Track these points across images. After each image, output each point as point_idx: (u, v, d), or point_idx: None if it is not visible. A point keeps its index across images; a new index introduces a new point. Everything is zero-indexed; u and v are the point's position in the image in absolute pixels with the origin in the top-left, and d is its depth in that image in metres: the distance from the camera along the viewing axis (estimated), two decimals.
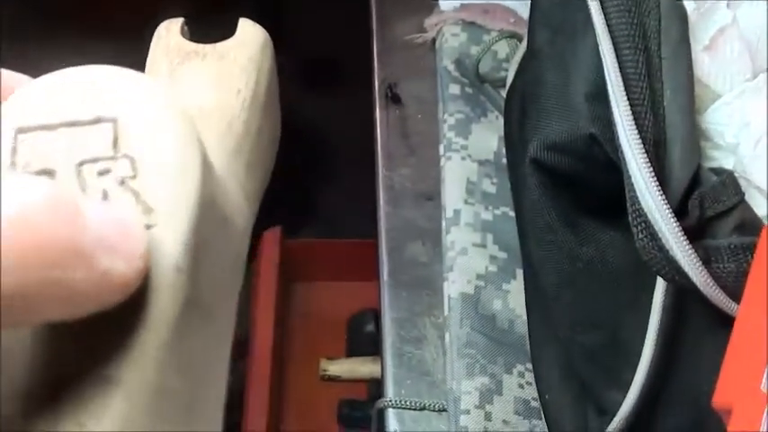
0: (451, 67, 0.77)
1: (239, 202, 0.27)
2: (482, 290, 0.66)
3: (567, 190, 0.51)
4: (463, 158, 0.72)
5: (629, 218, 0.45)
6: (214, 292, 0.22)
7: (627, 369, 0.51)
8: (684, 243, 0.44)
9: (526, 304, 0.63)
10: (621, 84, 0.46)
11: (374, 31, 0.80)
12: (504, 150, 0.72)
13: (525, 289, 0.63)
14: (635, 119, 0.45)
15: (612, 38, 0.47)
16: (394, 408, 0.62)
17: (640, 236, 0.45)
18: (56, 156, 0.21)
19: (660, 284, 0.48)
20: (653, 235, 0.44)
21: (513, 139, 0.64)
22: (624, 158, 0.45)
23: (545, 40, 0.53)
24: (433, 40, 0.79)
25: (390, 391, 0.63)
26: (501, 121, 0.73)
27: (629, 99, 0.46)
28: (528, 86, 0.56)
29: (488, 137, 0.74)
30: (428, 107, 0.76)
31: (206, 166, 0.21)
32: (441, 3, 0.80)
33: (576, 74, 0.50)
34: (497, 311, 0.65)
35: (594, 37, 0.48)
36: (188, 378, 0.21)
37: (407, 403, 0.62)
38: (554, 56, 0.52)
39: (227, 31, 0.38)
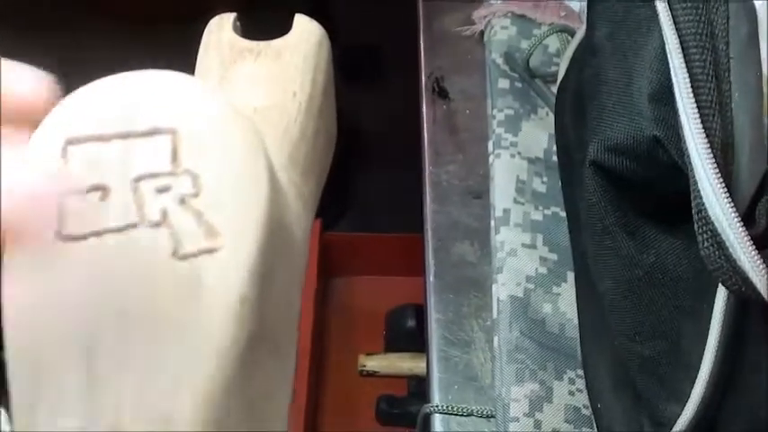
0: (500, 61, 0.75)
1: (298, 212, 0.26)
2: (532, 292, 0.64)
3: (627, 194, 0.49)
4: (512, 156, 0.70)
5: (695, 225, 0.43)
6: (280, 322, 0.21)
7: (686, 381, 0.49)
8: (753, 252, 0.42)
9: (578, 309, 0.61)
10: (689, 84, 0.44)
11: (421, 24, 0.79)
12: (554, 148, 0.70)
13: (577, 294, 0.61)
14: (702, 122, 0.43)
15: (679, 36, 0.46)
16: (440, 413, 0.61)
17: (706, 244, 0.43)
18: (110, 170, 0.20)
19: (721, 294, 0.47)
20: (720, 243, 0.43)
21: (567, 137, 0.62)
22: (691, 163, 0.43)
23: (606, 35, 0.52)
24: (482, 33, 0.78)
25: (437, 395, 0.62)
26: (551, 117, 0.71)
27: (696, 101, 0.44)
28: (586, 83, 0.54)
29: (538, 134, 0.72)
30: (476, 102, 0.75)
31: (273, 183, 0.20)
32: None
33: (639, 73, 0.48)
34: (547, 315, 0.64)
35: (659, 35, 0.46)
36: (253, 418, 0.20)
37: (454, 409, 0.61)
38: (615, 53, 0.50)
39: (278, 27, 0.36)
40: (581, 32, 0.65)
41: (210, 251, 0.19)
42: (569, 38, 0.73)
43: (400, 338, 1.25)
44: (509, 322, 0.63)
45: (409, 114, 0.76)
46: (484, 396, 0.62)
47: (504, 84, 0.74)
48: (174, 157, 0.20)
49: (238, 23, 0.35)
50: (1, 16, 0.88)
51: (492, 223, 0.68)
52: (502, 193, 0.69)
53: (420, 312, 1.19)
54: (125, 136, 0.20)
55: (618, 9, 0.52)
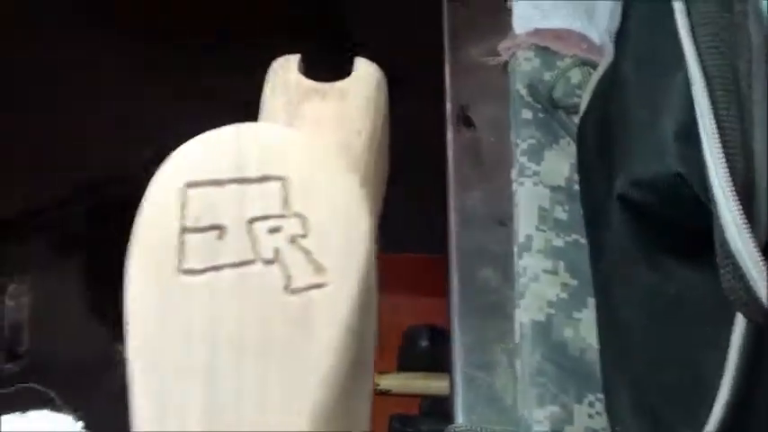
0: (524, 92, 0.78)
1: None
2: (553, 317, 0.67)
3: (651, 227, 0.52)
4: (536, 184, 0.73)
5: (717, 258, 0.46)
6: (372, 349, 0.24)
7: (704, 406, 0.52)
8: None
9: (599, 335, 0.64)
10: (714, 123, 0.47)
11: (446, 53, 0.82)
12: (575, 177, 0.73)
13: (598, 320, 0.64)
14: (727, 161, 0.46)
15: (706, 77, 0.48)
16: None
17: (728, 276, 0.46)
18: (226, 211, 0.22)
19: (739, 325, 0.49)
20: (741, 276, 0.45)
21: (590, 168, 0.65)
22: (715, 200, 0.46)
23: (632, 70, 0.55)
24: (506, 64, 0.81)
25: (461, 416, 0.65)
26: (573, 147, 0.74)
27: (721, 141, 0.47)
28: (611, 117, 0.57)
29: (561, 163, 0.75)
30: (500, 131, 0.78)
31: (372, 222, 0.23)
32: (515, 26, 0.81)
33: (665, 111, 0.51)
34: (568, 340, 0.66)
35: (685, 74, 0.49)
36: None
37: (478, 429, 0.64)
38: (641, 88, 0.53)
39: (332, 68, 0.39)
40: (603, 65, 0.68)
41: (319, 286, 0.22)
42: (591, 70, 0.76)
43: (415, 358, 1.27)
44: (531, 346, 0.66)
45: (432, 142, 0.79)
46: (506, 417, 0.64)
47: (527, 114, 0.77)
48: (285, 201, 0.22)
49: (302, 64, 0.38)
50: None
51: (515, 249, 0.71)
52: (525, 221, 0.72)
53: (434, 333, 1.22)
54: (240, 181, 0.23)
55: (644, 47, 0.55)
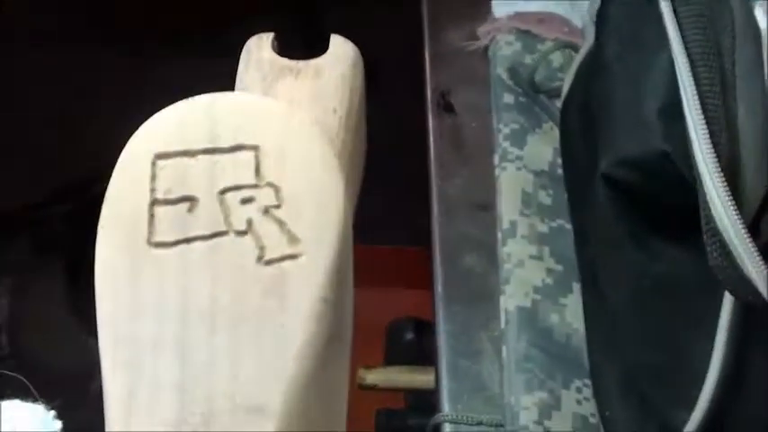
0: (505, 76, 0.78)
1: None
2: (539, 303, 0.67)
3: (637, 206, 0.52)
4: (518, 169, 0.73)
5: (704, 236, 0.46)
6: (348, 322, 0.23)
7: (693, 387, 0.51)
8: (759, 262, 0.45)
9: (585, 319, 0.64)
10: (698, 101, 0.47)
11: (426, 38, 0.81)
12: (559, 161, 0.73)
13: (584, 305, 0.64)
14: (711, 136, 0.46)
15: (688, 55, 0.48)
16: (450, 423, 0.63)
17: (715, 254, 0.46)
18: (197, 182, 0.22)
19: (727, 303, 0.49)
20: (728, 254, 0.45)
21: (574, 151, 0.65)
22: (699, 177, 0.46)
23: (615, 52, 0.54)
24: (486, 49, 0.80)
25: (446, 405, 0.65)
26: (556, 131, 0.74)
27: (704, 117, 0.47)
28: (594, 99, 0.57)
29: (543, 148, 0.75)
30: (481, 116, 0.77)
31: (347, 194, 0.23)
32: (494, 10, 0.81)
33: (648, 89, 0.50)
34: (554, 325, 0.66)
35: (668, 53, 0.49)
36: (326, 405, 0.22)
37: (464, 418, 0.63)
38: (625, 70, 0.53)
39: (306, 46, 0.39)
40: (585, 48, 0.68)
41: (293, 257, 0.22)
42: (573, 53, 0.76)
43: (400, 352, 1.27)
44: (517, 332, 0.66)
45: (412, 128, 0.79)
46: (493, 405, 0.64)
47: (509, 98, 0.77)
48: (258, 171, 0.22)
49: (276, 43, 0.37)
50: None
51: (499, 235, 0.71)
52: (508, 206, 0.71)
53: (420, 325, 1.21)
54: (211, 152, 0.22)
55: (626, 27, 0.55)
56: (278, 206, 0.22)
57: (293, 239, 0.22)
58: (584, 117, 0.61)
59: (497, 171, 0.74)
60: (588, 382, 0.63)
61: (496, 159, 0.74)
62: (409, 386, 1.24)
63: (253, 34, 0.39)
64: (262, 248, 0.22)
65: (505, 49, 0.79)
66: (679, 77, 0.48)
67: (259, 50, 0.37)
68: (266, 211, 0.22)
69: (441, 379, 0.67)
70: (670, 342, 0.52)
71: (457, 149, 0.76)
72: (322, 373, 0.22)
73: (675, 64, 0.49)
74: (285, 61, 0.36)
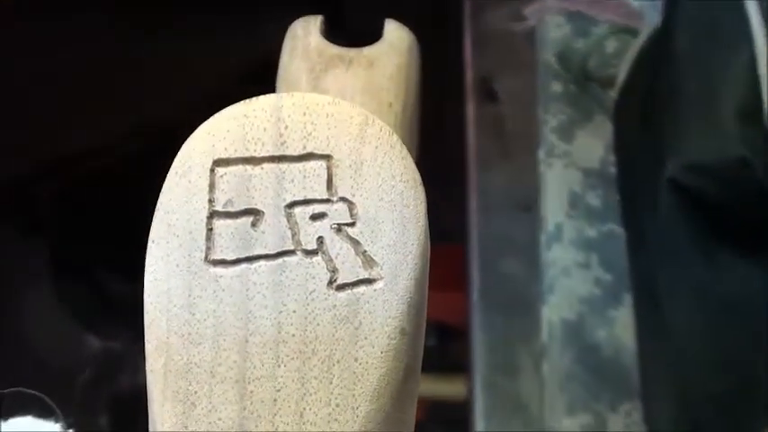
0: (554, 62, 0.77)
1: None
2: (586, 316, 0.66)
3: (707, 216, 0.51)
4: (566, 166, 0.73)
5: None
6: (421, 355, 0.23)
7: (762, 418, 0.51)
8: None
9: (637, 336, 0.63)
10: None
11: (467, 18, 0.81)
12: (611, 159, 0.72)
13: (637, 319, 0.63)
14: None
15: None
16: None
17: None
18: (261, 194, 0.21)
19: None
20: None
21: (632, 149, 0.64)
22: None
23: (687, 42, 0.54)
24: (533, 31, 0.80)
25: (480, 425, 0.64)
26: (608, 125, 0.73)
27: None
28: (660, 92, 0.56)
29: (594, 143, 0.74)
30: (526, 106, 0.77)
31: (427, 213, 0.22)
32: None
33: (725, 87, 0.50)
34: (602, 341, 0.66)
35: (750, 48, 0.48)
36: None
37: None
38: (698, 62, 0.52)
39: (357, 32, 0.38)
40: (646, 33, 0.67)
41: (369, 282, 0.21)
42: (630, 38, 0.75)
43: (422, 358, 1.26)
44: (561, 348, 0.65)
45: (450, 117, 0.78)
46: (532, 426, 0.64)
47: (557, 87, 0.76)
48: (330, 183, 0.21)
49: (324, 27, 0.37)
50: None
51: (542, 239, 0.70)
52: (554, 207, 0.71)
53: (442, 330, 1.21)
54: (277, 160, 0.22)
55: (702, 16, 0.54)
56: (352, 224, 0.21)
57: (369, 262, 0.21)
58: (645, 112, 0.60)
59: (542, 167, 0.73)
60: (638, 405, 0.63)
61: (542, 154, 0.74)
62: (432, 395, 1.23)
63: (284, 15, 0.38)
64: (333, 271, 0.21)
65: (555, 31, 0.78)
66: (761, 77, 0.48)
67: (306, 36, 0.36)
68: (339, 229, 0.21)
69: (474, 395, 0.66)
70: (737, 367, 0.52)
71: (498, 141, 0.75)
72: (395, 412, 0.21)
73: (757, 61, 0.48)
74: (335, 49, 0.36)
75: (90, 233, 1.09)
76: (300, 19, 0.37)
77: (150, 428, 0.21)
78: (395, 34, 0.36)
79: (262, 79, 0.39)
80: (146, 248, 0.23)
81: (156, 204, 0.23)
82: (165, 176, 0.23)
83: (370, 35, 0.37)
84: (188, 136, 0.23)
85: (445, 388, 1.14)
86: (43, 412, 0.32)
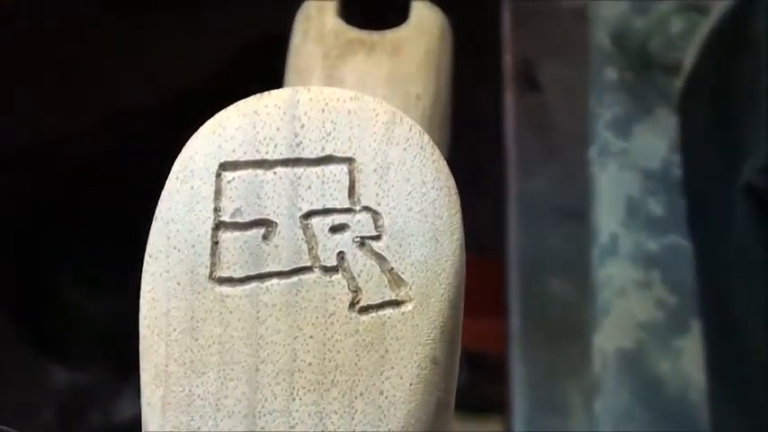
0: (608, 44, 0.78)
1: None
2: (646, 344, 0.67)
3: None
4: (622, 167, 0.73)
5: None
6: (455, 386, 0.24)
7: None
8: None
9: (708, 368, 0.64)
10: None
11: None
12: (675, 158, 0.73)
13: (707, 348, 0.64)
14: None
15: None
16: None
17: None
18: (274, 203, 0.22)
19: None
20: None
21: (702, 148, 0.65)
22: None
23: (767, 24, 0.54)
24: (584, 8, 0.80)
25: None
26: (673, 119, 0.74)
27: None
28: (735, 82, 0.57)
29: (656, 140, 0.75)
30: (575, 96, 0.77)
31: (462, 225, 0.23)
32: None
33: None
34: (665, 374, 0.66)
35: None
36: None
37: None
38: None
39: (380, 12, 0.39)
40: (719, 11, 0.68)
41: (397, 304, 0.22)
42: (700, 17, 0.76)
43: None
44: (617, 382, 0.66)
45: (486, 109, 0.79)
46: None
47: (612, 74, 0.77)
48: (352, 191, 0.22)
49: (342, 8, 0.38)
50: None
51: (594, 253, 0.71)
52: (608, 215, 0.71)
53: (475, 362, 1.21)
54: (292, 163, 0.22)
55: None
56: (377, 237, 0.22)
57: (397, 281, 0.22)
58: (717, 104, 0.61)
59: (594, 169, 0.74)
60: None
61: (594, 153, 0.74)
62: None
63: None
64: (356, 291, 0.22)
65: (610, 8, 0.79)
66: None
67: (321, 16, 0.37)
68: (362, 242, 0.22)
69: None
70: None
71: (542, 138, 0.76)
72: None
73: None
74: (355, 32, 0.37)
75: (57, 241, 1.10)
76: None
77: None
78: (423, 15, 0.37)
79: (267, 67, 0.40)
80: (128, 261, 0.24)
81: (147, 212, 0.24)
82: (158, 181, 0.24)
83: (394, 16, 0.38)
84: (187, 135, 0.24)
85: (478, 430, 1.15)
86: None
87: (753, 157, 0.51)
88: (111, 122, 1.05)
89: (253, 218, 0.22)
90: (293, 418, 0.21)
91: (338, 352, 0.22)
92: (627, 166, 0.73)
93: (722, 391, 0.61)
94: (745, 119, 0.53)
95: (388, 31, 0.37)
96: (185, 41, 1.01)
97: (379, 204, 0.22)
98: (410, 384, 0.22)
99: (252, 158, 0.22)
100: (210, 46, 1.00)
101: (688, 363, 0.67)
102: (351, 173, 0.22)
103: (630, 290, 0.69)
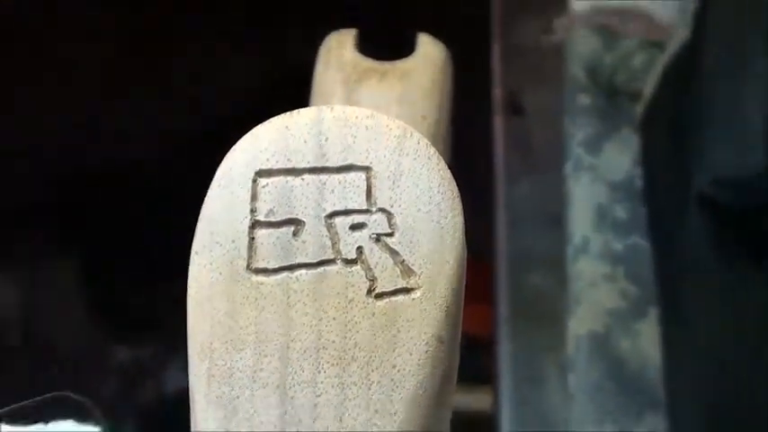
0: (582, 76, 0.77)
1: None
2: (612, 328, 0.66)
3: (736, 231, 0.51)
4: (593, 179, 0.73)
5: None
6: (457, 364, 0.23)
7: None
8: None
9: (664, 351, 0.63)
10: None
11: (496, 31, 0.81)
12: (637, 171, 0.73)
13: (664, 332, 0.63)
14: None
15: None
16: None
17: None
18: (302, 204, 0.22)
19: None
20: None
21: (659, 162, 0.64)
22: None
23: (715, 58, 0.54)
24: (562, 45, 0.80)
25: None
26: (636, 139, 0.73)
27: None
28: (688, 106, 0.57)
29: (621, 156, 0.74)
30: (553, 119, 0.77)
31: (463, 224, 0.22)
32: (572, 3, 0.80)
33: (753, 103, 0.50)
34: (627, 353, 0.66)
35: None
36: None
37: None
38: (725, 80, 0.53)
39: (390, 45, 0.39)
40: (674, 47, 0.67)
41: (407, 291, 0.21)
42: (658, 53, 0.75)
43: None
44: (586, 359, 0.65)
45: (477, 131, 0.78)
46: None
47: (584, 100, 0.76)
48: (369, 194, 0.22)
49: (359, 41, 0.37)
50: None
51: (569, 252, 0.70)
52: (581, 220, 0.71)
53: (467, 341, 1.21)
54: (318, 171, 0.22)
55: (730, 29, 0.54)
56: (391, 234, 0.22)
57: (407, 271, 0.21)
58: (673, 126, 0.61)
59: (569, 181, 0.73)
60: (663, 418, 0.63)
61: (569, 168, 0.74)
62: (456, 407, 1.24)
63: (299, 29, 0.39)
64: (373, 280, 0.22)
65: (583, 45, 0.78)
66: None
67: (340, 48, 0.37)
68: (378, 239, 0.22)
69: (501, 407, 0.66)
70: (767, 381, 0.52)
71: (525, 155, 0.76)
72: (431, 421, 0.22)
73: None
74: (369, 62, 0.36)
75: (119, 246, 1.10)
76: (335, 32, 0.38)
77: (192, 429, 0.22)
78: (428, 48, 0.37)
79: (295, 91, 0.40)
80: (172, 262, 0.23)
81: (182, 219, 0.24)
82: (198, 189, 0.24)
83: (403, 49, 0.37)
84: (221, 148, 0.24)
85: (470, 399, 1.15)
86: (84, 418, 0.33)
87: (702, 170, 0.51)
88: (165, 143, 1.05)
89: (284, 217, 0.22)
90: (318, 389, 0.21)
91: (357, 332, 0.21)
92: (597, 178, 0.73)
93: (674, 367, 0.61)
94: (696, 139, 0.53)
95: (397, 62, 0.36)
96: (229, 71, 1.01)
97: (392, 206, 0.22)
98: (419, 360, 0.21)
99: (283, 167, 0.22)
100: (248, 75, 1.00)
101: (646, 344, 0.66)
102: (368, 179, 0.22)
103: (599, 282, 0.68)
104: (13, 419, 0.35)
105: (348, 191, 0.22)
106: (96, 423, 0.33)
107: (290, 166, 0.22)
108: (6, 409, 0.34)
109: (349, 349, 0.21)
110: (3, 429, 0.33)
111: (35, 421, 0.33)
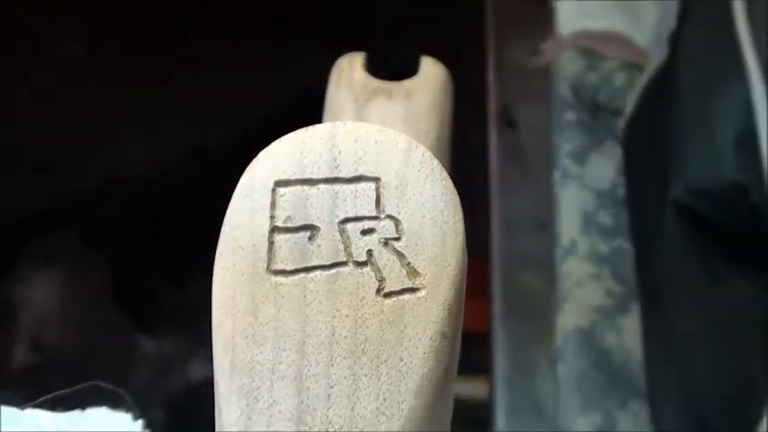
0: (568, 94, 0.77)
1: None
2: (597, 323, 0.66)
3: (708, 235, 0.51)
4: (580, 187, 0.73)
5: None
6: (458, 358, 0.23)
7: (759, 422, 0.51)
8: None
9: (644, 342, 0.63)
10: None
11: (490, 52, 0.81)
12: (620, 180, 0.72)
13: (644, 327, 0.63)
14: None
15: (766, 83, 0.48)
16: None
17: None
18: (318, 211, 0.22)
19: None
20: None
21: (639, 172, 0.64)
22: None
23: (689, 78, 0.54)
24: (549, 65, 0.80)
25: (500, 421, 0.64)
26: (618, 150, 0.73)
27: None
28: (665, 122, 0.57)
29: (605, 166, 0.74)
30: (543, 133, 0.77)
31: (464, 229, 0.22)
32: (560, 27, 0.80)
33: (723, 118, 0.50)
34: (612, 346, 0.66)
35: (745, 82, 0.49)
36: None
37: None
38: (698, 97, 0.53)
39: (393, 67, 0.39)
40: (651, 68, 0.67)
41: (413, 290, 0.21)
42: (637, 73, 0.75)
43: None
44: (574, 352, 0.65)
45: (476, 142, 0.78)
46: (547, 424, 0.64)
47: (570, 116, 0.76)
48: (378, 202, 0.22)
49: (367, 63, 0.38)
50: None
51: (558, 253, 0.70)
52: (568, 224, 0.71)
53: (464, 335, 1.21)
54: (332, 181, 0.22)
55: (703, 55, 0.54)
56: (398, 238, 0.22)
57: (413, 273, 0.22)
58: (652, 140, 0.61)
59: (558, 189, 0.73)
60: (644, 404, 0.63)
61: (557, 177, 0.74)
62: (458, 395, 1.23)
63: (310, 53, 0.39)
64: (381, 280, 0.22)
65: (569, 66, 0.78)
66: (755, 105, 0.48)
67: (351, 70, 0.37)
68: (386, 243, 0.22)
69: (495, 394, 0.66)
70: (737, 373, 0.52)
71: (518, 165, 0.76)
72: (435, 409, 0.22)
73: (752, 93, 0.48)
74: (377, 82, 0.36)
75: (147, 248, 1.10)
76: (345, 55, 0.38)
77: (216, 418, 0.22)
78: (430, 69, 0.37)
79: (309, 109, 0.40)
80: (196, 263, 0.23)
81: (202, 225, 0.24)
82: (216, 198, 0.24)
83: (407, 70, 0.37)
84: (240, 161, 0.24)
85: (468, 387, 1.14)
86: (117, 405, 0.33)
87: (678, 180, 0.51)
88: (190, 158, 1.05)
89: (301, 223, 0.22)
90: (332, 380, 0.21)
91: (367, 328, 0.21)
92: (583, 186, 0.73)
93: (655, 360, 0.61)
94: (672, 152, 0.53)
95: (403, 82, 0.36)
96: (245, 93, 1.01)
97: (399, 213, 0.22)
98: (424, 353, 0.21)
99: (300, 177, 0.22)
100: (265, 95, 1.00)
101: (628, 337, 0.66)
102: (377, 189, 0.22)
103: (586, 281, 0.68)
104: (51, 407, 0.35)
105: (359, 199, 0.22)
106: (128, 410, 0.33)
107: (306, 176, 0.22)
108: (45, 397, 0.34)
109: (360, 344, 0.21)
110: (43, 415, 0.34)
111: (72, 408, 0.33)
